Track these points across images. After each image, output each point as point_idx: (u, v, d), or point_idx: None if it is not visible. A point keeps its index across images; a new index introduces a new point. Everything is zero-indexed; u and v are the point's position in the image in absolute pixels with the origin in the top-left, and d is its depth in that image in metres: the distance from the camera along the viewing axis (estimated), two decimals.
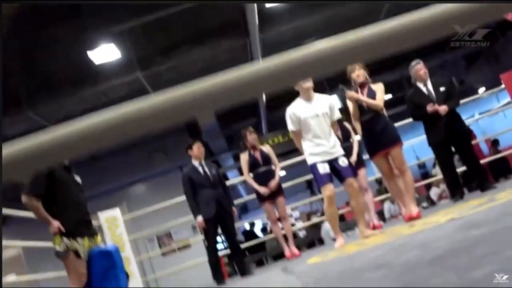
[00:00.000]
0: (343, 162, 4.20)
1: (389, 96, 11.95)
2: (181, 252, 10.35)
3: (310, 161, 4.23)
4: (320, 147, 4.16)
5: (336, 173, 4.21)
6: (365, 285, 1.60)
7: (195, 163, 5.52)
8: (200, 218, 5.28)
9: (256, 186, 5.75)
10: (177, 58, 6.86)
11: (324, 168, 4.12)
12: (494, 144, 12.71)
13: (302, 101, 4.29)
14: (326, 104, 4.31)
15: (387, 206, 10.03)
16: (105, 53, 6.52)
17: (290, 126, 4.28)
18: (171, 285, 9.11)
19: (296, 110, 4.24)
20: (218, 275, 5.50)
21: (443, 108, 5.07)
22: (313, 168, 4.20)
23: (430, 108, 5.09)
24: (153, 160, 10.75)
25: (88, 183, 4.48)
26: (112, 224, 6.13)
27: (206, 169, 5.46)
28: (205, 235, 5.43)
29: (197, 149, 5.52)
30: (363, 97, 4.58)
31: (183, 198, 7.51)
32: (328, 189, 4.14)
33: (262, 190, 5.70)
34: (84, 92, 6.78)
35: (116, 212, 6.28)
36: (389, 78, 11.49)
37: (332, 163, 4.18)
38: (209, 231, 5.34)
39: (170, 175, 10.73)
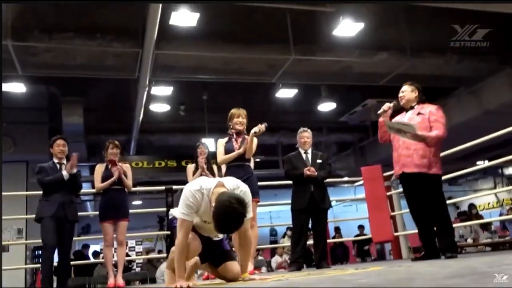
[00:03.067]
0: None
1: (262, 157, 12.25)
2: None
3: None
4: None
5: None
6: None
7: (55, 160, 5.07)
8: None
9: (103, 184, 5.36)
10: (58, 41, 6.29)
11: None
12: (337, 230, 13.60)
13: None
14: None
15: None
16: None
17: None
18: None
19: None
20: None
21: (312, 170, 5.25)
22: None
23: (307, 171, 5.24)
24: None
25: None
26: None
27: (64, 172, 4.96)
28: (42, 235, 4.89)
29: (57, 147, 5.07)
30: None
31: (15, 193, 6.86)
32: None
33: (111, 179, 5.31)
34: None
35: None
36: (267, 141, 11.84)
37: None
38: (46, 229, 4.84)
39: (14, 166, 9.73)
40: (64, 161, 5.08)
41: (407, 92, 4.35)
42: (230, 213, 2.67)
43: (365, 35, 7.74)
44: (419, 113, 4.22)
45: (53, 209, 4.84)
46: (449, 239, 4.09)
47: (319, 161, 5.44)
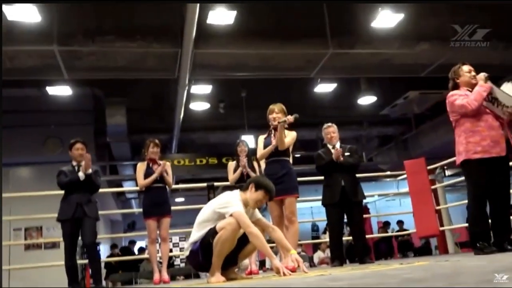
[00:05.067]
0: None
1: (302, 152, 12.21)
2: (47, 250, 9.56)
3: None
4: None
5: None
6: None
7: (74, 163, 5.16)
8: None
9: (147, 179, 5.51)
10: (100, 45, 6.47)
11: None
12: (384, 225, 13.40)
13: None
14: None
15: None
16: (22, 11, 5.87)
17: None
18: (23, 281, 8.37)
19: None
20: (73, 283, 5.04)
21: (339, 151, 5.28)
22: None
23: (335, 151, 5.26)
24: (47, 146, 10.00)
25: None
26: None
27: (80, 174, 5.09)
28: (63, 236, 5.06)
29: (76, 150, 5.16)
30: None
31: (62, 191, 7.12)
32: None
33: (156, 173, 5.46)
34: None
35: None
36: (306, 136, 11.78)
37: None
38: (64, 233, 5.02)
39: (61, 166, 10.07)
40: (82, 163, 5.20)
41: None
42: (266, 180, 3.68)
43: (405, 26, 7.57)
44: None
45: (71, 211, 4.97)
46: None
47: (347, 153, 5.41)
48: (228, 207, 3.48)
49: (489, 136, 3.81)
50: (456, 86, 4.08)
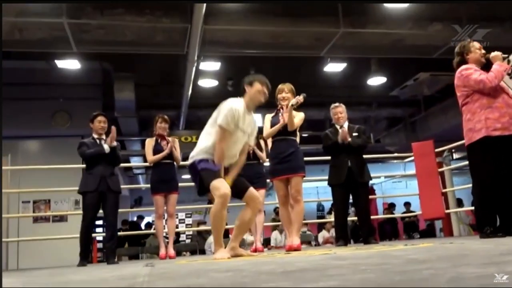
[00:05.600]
0: None
1: (310, 132, 12.17)
2: (55, 223, 9.69)
3: (208, 155, 3.59)
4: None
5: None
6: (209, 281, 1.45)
7: (95, 136, 5.25)
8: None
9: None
10: (109, 18, 6.42)
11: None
12: (390, 207, 13.44)
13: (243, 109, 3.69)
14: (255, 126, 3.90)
15: (274, 234, 10.08)
16: None
17: (225, 123, 3.56)
18: (31, 253, 8.54)
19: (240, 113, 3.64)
20: (85, 257, 5.13)
21: (345, 132, 5.29)
22: (208, 161, 3.56)
23: (341, 132, 5.28)
24: (56, 120, 10.03)
25: None
26: None
27: (105, 146, 5.12)
28: (84, 208, 5.14)
29: (98, 123, 5.23)
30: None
31: (72, 165, 7.19)
32: (226, 186, 3.46)
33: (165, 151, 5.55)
34: None
35: None
36: (314, 116, 11.72)
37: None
38: (87, 205, 5.08)
39: (70, 141, 10.13)
40: (104, 137, 5.24)
41: None
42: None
43: (418, 6, 7.44)
44: None
45: (95, 183, 5.02)
46: None
47: (355, 134, 5.42)
48: (219, 117, 3.55)
49: (508, 113, 3.68)
50: (463, 62, 3.93)
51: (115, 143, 5.15)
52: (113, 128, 5.15)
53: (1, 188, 4.44)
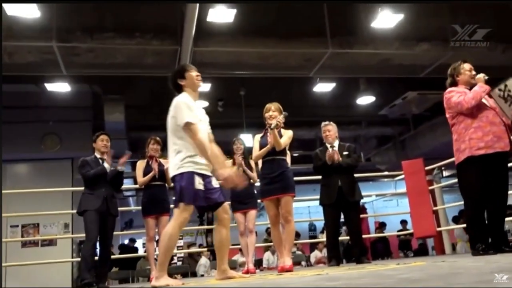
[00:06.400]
0: (215, 182, 3.57)
1: (300, 151, 12.20)
2: (44, 248, 9.54)
3: (186, 167, 3.38)
4: (202, 159, 3.47)
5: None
6: None
7: (97, 155, 5.20)
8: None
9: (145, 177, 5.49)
10: (99, 41, 6.46)
11: (199, 184, 3.38)
12: (381, 226, 13.42)
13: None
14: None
15: (266, 255, 9.99)
16: (21, 8, 5.85)
17: (189, 117, 3.43)
18: (20, 279, 8.35)
19: (191, 104, 3.55)
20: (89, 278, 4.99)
21: (333, 152, 5.28)
22: (188, 177, 3.35)
23: (328, 153, 5.25)
24: (45, 143, 9.97)
25: None
26: None
27: (105, 165, 5.09)
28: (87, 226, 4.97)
29: (101, 141, 5.20)
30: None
31: (61, 188, 7.13)
32: (190, 211, 3.35)
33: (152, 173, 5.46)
34: None
35: None
36: (305, 136, 11.77)
37: (205, 180, 3.48)
38: (91, 222, 4.94)
39: (60, 164, 10.06)
40: (105, 156, 5.21)
41: None
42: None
43: (405, 26, 7.56)
44: None
45: (98, 203, 4.93)
46: None
47: (345, 152, 5.41)
48: (179, 118, 3.40)
49: (491, 132, 3.75)
50: (454, 84, 4.04)
51: (124, 168, 5.14)
52: (128, 153, 5.15)
53: (1, 213, 4.39)
